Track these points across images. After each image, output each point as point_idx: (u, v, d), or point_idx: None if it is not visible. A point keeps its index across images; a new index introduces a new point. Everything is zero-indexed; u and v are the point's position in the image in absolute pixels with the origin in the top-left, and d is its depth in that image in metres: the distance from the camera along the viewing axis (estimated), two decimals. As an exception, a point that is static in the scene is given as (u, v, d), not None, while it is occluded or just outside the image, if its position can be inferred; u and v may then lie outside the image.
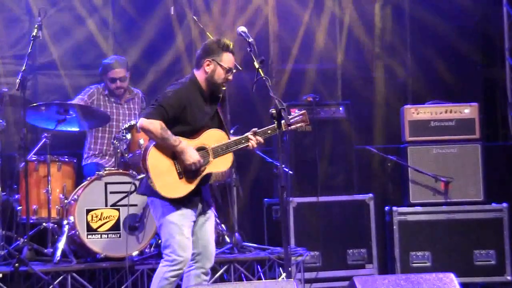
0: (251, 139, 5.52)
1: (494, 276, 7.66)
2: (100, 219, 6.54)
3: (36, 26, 6.67)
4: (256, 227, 8.07)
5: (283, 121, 5.22)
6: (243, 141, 5.53)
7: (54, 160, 6.82)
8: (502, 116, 9.15)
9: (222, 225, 7.20)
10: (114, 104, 7.39)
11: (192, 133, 5.47)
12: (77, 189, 6.67)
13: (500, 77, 9.12)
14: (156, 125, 5.34)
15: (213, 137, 5.51)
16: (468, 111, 7.89)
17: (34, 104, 6.67)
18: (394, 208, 7.72)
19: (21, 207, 6.73)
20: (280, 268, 6.76)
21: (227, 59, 5.52)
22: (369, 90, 8.98)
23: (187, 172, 5.42)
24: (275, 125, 5.41)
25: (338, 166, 7.82)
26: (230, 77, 5.56)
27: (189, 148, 5.39)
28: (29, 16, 8.17)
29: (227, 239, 7.13)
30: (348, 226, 7.66)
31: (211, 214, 5.68)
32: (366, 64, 9.05)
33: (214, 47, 5.53)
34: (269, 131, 5.54)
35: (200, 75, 5.54)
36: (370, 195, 7.72)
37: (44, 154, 6.78)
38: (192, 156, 5.38)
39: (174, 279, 5.44)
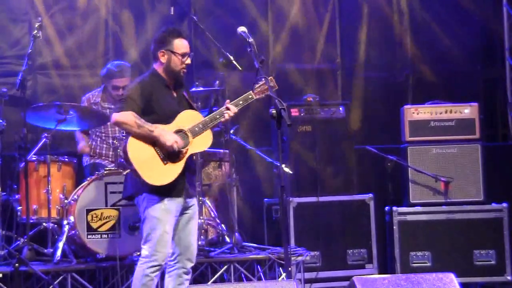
0: (227, 109, 5.57)
1: (494, 276, 7.65)
2: (100, 219, 6.54)
3: (36, 26, 6.68)
4: (256, 227, 8.05)
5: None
6: (217, 116, 5.57)
7: (54, 160, 6.81)
8: (502, 116, 9.16)
9: (222, 225, 7.18)
10: (108, 110, 7.35)
11: (163, 121, 5.48)
12: (77, 189, 6.68)
13: (500, 77, 9.13)
14: (128, 115, 5.38)
15: (187, 118, 5.54)
16: (468, 111, 7.88)
17: (34, 106, 6.68)
18: (394, 208, 7.72)
19: (21, 207, 6.72)
20: (280, 268, 6.76)
21: (180, 44, 5.59)
22: (369, 90, 8.98)
23: (171, 156, 5.43)
24: (246, 94, 5.62)
25: (338, 166, 7.80)
26: (188, 61, 5.62)
27: (165, 130, 5.42)
28: (29, 16, 8.16)
29: (227, 239, 7.12)
30: (348, 226, 7.65)
31: (195, 212, 5.65)
32: (366, 64, 9.04)
33: (164, 36, 5.61)
34: (241, 102, 5.63)
35: (158, 67, 5.62)
36: (370, 195, 7.72)
37: (44, 154, 6.78)
38: (170, 137, 5.40)
39: (154, 274, 5.43)
